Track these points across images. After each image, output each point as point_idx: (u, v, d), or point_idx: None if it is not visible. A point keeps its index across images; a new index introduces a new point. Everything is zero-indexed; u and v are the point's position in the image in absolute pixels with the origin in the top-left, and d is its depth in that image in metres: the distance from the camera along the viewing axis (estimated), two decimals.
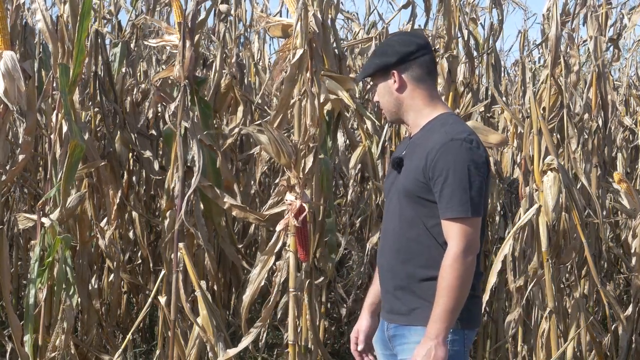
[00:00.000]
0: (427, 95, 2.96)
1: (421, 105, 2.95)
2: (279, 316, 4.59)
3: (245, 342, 4.17)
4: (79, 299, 4.65)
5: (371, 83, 3.06)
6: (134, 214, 5.62)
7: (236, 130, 5.28)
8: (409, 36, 3.07)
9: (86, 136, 4.86)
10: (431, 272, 2.83)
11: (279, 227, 4.16)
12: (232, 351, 4.13)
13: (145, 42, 5.19)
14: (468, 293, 2.78)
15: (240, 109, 5.40)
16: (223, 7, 5.29)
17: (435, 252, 2.83)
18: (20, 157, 4.35)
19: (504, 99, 6.87)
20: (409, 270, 2.89)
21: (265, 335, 4.78)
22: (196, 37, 4.38)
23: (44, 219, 4.24)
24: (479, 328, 3.07)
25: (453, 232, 2.76)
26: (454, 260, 2.74)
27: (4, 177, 4.32)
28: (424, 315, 2.81)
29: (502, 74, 7.78)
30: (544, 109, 5.11)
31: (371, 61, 2.99)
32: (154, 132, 5.75)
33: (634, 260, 5.10)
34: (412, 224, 2.87)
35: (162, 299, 4.35)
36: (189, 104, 4.35)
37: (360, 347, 3.16)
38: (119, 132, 5.40)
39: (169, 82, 4.96)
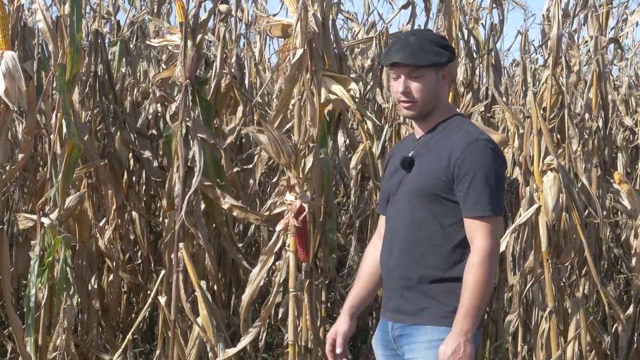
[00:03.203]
0: (447, 95, 3.03)
1: (445, 104, 3.00)
2: (280, 316, 4.58)
3: (244, 341, 4.17)
4: (79, 299, 4.65)
5: (403, 72, 2.90)
6: (134, 214, 5.62)
7: (236, 130, 5.28)
8: None
9: (86, 136, 4.87)
10: (442, 272, 2.84)
11: (278, 227, 4.16)
12: (231, 351, 4.13)
13: (147, 42, 5.19)
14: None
15: (240, 109, 5.40)
16: (223, 7, 5.28)
17: (447, 252, 2.85)
18: (20, 156, 4.35)
19: (504, 99, 6.87)
20: (419, 270, 2.88)
21: (264, 335, 4.79)
22: (199, 37, 4.38)
23: (43, 219, 4.24)
24: None
25: (481, 231, 2.78)
26: (484, 257, 2.75)
27: (3, 177, 4.32)
28: (433, 314, 2.83)
29: (502, 74, 7.78)
30: (544, 109, 5.11)
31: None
32: (154, 132, 5.75)
33: (634, 260, 5.10)
34: (424, 224, 2.88)
35: (162, 299, 4.34)
36: (190, 104, 4.35)
37: (338, 351, 3.12)
38: (119, 132, 5.40)
39: (169, 82, 4.96)
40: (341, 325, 3.13)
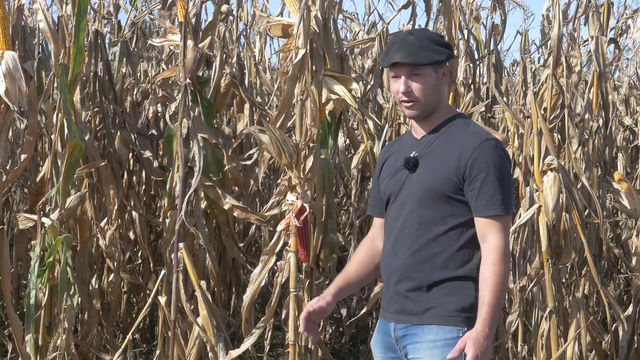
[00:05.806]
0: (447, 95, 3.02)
1: (446, 104, 3.01)
2: (282, 317, 4.58)
3: (248, 342, 4.16)
4: (79, 299, 4.65)
5: (400, 72, 2.89)
6: (134, 214, 5.61)
7: (245, 130, 5.28)
8: None
9: (86, 136, 4.87)
10: (449, 272, 2.84)
11: (279, 227, 4.15)
12: (235, 352, 4.12)
13: (149, 42, 5.19)
14: None
15: (247, 107, 5.40)
16: (224, 8, 5.28)
17: (454, 252, 2.85)
18: (22, 157, 4.35)
19: (504, 99, 6.87)
20: (426, 271, 2.87)
21: (270, 335, 4.78)
22: (208, 39, 4.36)
23: (44, 219, 4.24)
24: None
25: (495, 229, 2.80)
26: (503, 255, 2.78)
27: (4, 178, 4.32)
28: (439, 314, 2.83)
29: (502, 74, 7.78)
30: (545, 109, 5.11)
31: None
32: (154, 132, 5.75)
33: (634, 260, 5.11)
34: (431, 225, 2.87)
35: (162, 299, 4.34)
36: (190, 104, 4.34)
37: (301, 325, 3.03)
38: (119, 132, 5.40)
39: (169, 82, 4.96)
40: (320, 303, 3.03)
